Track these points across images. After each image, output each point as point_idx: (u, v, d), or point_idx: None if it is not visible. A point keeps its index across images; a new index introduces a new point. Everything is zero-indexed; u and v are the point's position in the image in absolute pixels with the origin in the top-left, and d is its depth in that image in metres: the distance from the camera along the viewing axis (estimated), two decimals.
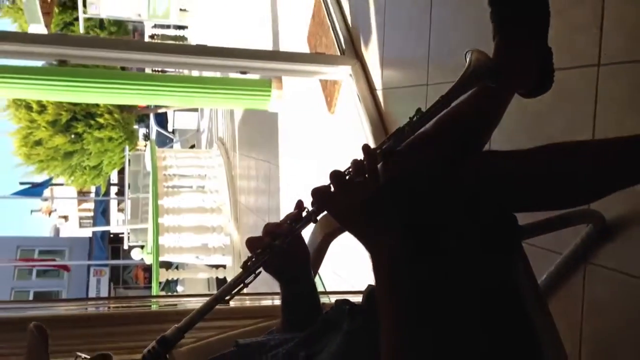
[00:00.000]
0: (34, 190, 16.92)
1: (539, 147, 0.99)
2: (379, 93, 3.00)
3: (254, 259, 0.93)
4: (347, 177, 0.85)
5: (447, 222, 0.91)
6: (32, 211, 22.11)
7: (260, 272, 0.94)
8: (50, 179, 16.15)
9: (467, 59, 0.96)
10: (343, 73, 3.17)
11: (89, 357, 0.84)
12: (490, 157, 1.04)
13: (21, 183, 16.33)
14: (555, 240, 1.57)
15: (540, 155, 0.99)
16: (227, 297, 0.92)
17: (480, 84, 0.98)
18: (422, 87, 2.47)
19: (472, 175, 0.95)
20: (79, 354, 0.84)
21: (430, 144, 1.00)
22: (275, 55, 3.25)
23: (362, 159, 0.86)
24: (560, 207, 1.17)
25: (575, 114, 1.59)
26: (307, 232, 1.05)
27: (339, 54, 3.29)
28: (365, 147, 0.87)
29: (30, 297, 17.19)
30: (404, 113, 0.90)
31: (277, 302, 2.21)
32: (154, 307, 2.43)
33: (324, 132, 3.91)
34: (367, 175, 0.85)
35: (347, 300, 1.08)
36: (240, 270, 0.93)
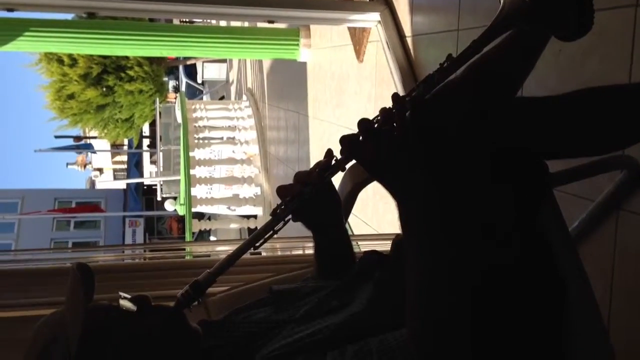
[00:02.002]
0: (77, 145, 17.33)
1: (573, 92, 0.97)
2: (409, 40, 2.93)
3: (283, 207, 0.94)
4: (375, 126, 0.84)
5: (476, 170, 0.90)
6: (67, 164, 22.65)
7: (289, 220, 0.96)
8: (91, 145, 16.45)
9: (501, 1, 0.93)
10: (372, 20, 3.10)
11: (129, 296, 0.87)
12: (523, 104, 1.02)
13: (56, 137, 16.65)
14: (588, 187, 1.55)
15: (574, 100, 0.96)
16: (257, 244, 0.94)
17: (514, 28, 0.95)
18: (453, 32, 2.41)
19: (504, 122, 0.94)
20: (121, 293, 0.87)
21: (461, 91, 0.98)
22: (302, 3, 3.19)
23: (391, 107, 0.85)
24: (595, 153, 1.15)
25: (611, 57, 1.53)
26: (338, 180, 1.06)
27: (367, 0, 3.22)
28: (395, 96, 0.85)
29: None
30: (434, 60, 0.88)
31: (309, 251, 2.25)
32: (188, 257, 2.49)
33: (353, 81, 3.87)
34: (395, 124, 0.84)
35: (375, 251, 1.09)
36: (270, 217, 0.95)
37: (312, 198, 0.94)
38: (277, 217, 0.94)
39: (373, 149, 0.82)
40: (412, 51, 2.91)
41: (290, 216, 0.95)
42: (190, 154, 7.20)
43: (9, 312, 1.59)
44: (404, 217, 0.82)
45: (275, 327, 0.93)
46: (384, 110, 0.84)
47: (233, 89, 11.80)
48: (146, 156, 19.24)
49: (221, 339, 0.93)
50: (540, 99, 0.99)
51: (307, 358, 0.80)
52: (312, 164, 0.96)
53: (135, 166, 20.82)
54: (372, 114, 0.84)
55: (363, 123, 0.84)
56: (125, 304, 0.86)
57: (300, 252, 2.41)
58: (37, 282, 1.71)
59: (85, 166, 22.27)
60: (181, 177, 7.35)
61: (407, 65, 2.91)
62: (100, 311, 0.86)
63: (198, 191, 7.12)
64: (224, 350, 0.89)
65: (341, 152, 0.90)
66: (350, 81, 3.94)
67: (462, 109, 0.94)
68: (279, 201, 0.96)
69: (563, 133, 0.96)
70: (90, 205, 15.09)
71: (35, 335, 0.85)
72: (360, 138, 0.84)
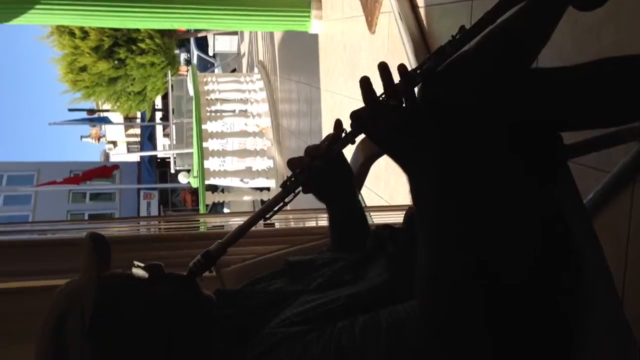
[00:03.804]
0: (91, 119, 17.41)
1: (589, 62, 0.95)
2: (421, 10, 2.89)
3: (293, 179, 0.95)
4: (383, 100, 0.83)
5: (489, 143, 0.89)
6: (81, 137, 22.79)
7: (299, 192, 0.96)
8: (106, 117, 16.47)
9: None
10: None
11: (142, 265, 0.89)
12: (538, 75, 1.00)
13: (70, 110, 16.74)
14: (604, 159, 1.54)
15: (590, 70, 0.95)
16: (268, 215, 0.95)
17: None
18: (467, 3, 2.36)
19: (518, 93, 0.93)
20: (136, 262, 0.89)
21: (473, 63, 0.97)
22: None
23: (400, 81, 0.84)
24: (610, 124, 1.14)
25: (627, 27, 1.50)
26: (350, 152, 1.05)
27: None
28: (401, 68, 0.84)
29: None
30: (448, 31, 0.87)
31: (322, 223, 2.26)
32: (202, 229, 2.52)
33: (365, 53, 3.83)
34: (402, 98, 0.83)
35: (388, 225, 1.09)
36: (280, 189, 0.95)
37: (322, 170, 0.94)
38: (287, 189, 0.94)
39: (382, 124, 0.82)
40: (424, 22, 2.87)
41: (300, 188, 0.96)
42: (203, 126, 7.21)
43: (26, 282, 1.63)
44: (416, 190, 0.82)
45: (289, 298, 0.94)
46: (390, 84, 0.83)
47: (244, 61, 11.73)
48: (159, 129, 19.30)
49: (236, 308, 0.94)
50: (555, 70, 0.97)
51: (317, 327, 0.81)
52: (324, 137, 0.96)
53: (148, 139, 20.91)
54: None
55: (369, 99, 0.83)
56: (138, 272, 0.87)
57: (313, 224, 2.42)
58: (54, 252, 1.74)
59: (99, 139, 22.40)
60: (194, 149, 7.38)
61: (420, 37, 2.88)
62: (114, 279, 0.87)
63: (211, 164, 7.16)
64: (238, 319, 0.90)
65: (351, 126, 0.90)
66: (362, 53, 3.90)
67: (475, 82, 0.93)
68: (290, 174, 0.96)
69: (579, 104, 0.94)
70: (100, 168, 15.18)
71: (51, 303, 0.87)
72: (369, 113, 0.83)
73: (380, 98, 0.83)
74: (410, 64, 2.72)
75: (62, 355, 0.82)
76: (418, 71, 0.85)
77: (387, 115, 0.82)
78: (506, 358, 0.78)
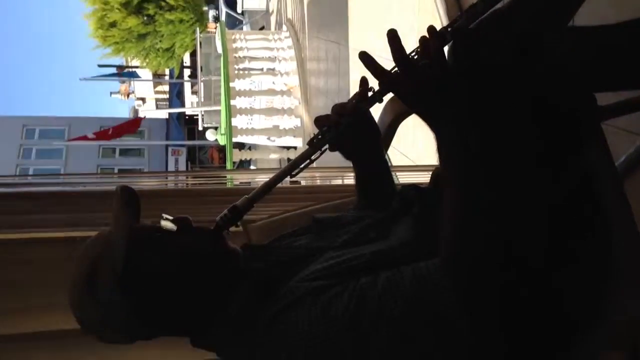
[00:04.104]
0: (121, 74, 17.49)
1: (627, 21, 0.92)
2: None
3: (320, 137, 0.95)
4: (414, 58, 0.82)
5: (522, 107, 0.88)
6: (111, 93, 23.02)
7: (325, 149, 0.96)
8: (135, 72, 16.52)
9: None
10: None
11: (170, 217, 0.91)
12: (574, 34, 0.98)
13: (100, 66, 16.86)
14: (638, 121, 1.50)
15: (627, 29, 0.92)
16: (294, 172, 0.95)
17: None
18: None
19: (553, 53, 0.90)
20: (164, 215, 0.91)
21: (508, 22, 0.94)
22: None
23: (429, 39, 0.82)
24: None
25: None
26: (377, 111, 1.05)
27: None
28: (431, 29, 0.82)
29: None
30: None
31: (348, 181, 2.26)
32: (229, 185, 2.55)
33: (395, 11, 3.76)
34: (433, 58, 0.81)
35: (414, 185, 1.09)
36: (307, 147, 0.95)
37: (349, 128, 0.94)
38: (314, 146, 0.95)
39: (411, 83, 0.80)
40: None
41: (327, 146, 0.96)
42: (231, 84, 7.21)
43: (58, 232, 1.68)
44: (444, 150, 0.82)
45: (314, 254, 0.95)
46: (422, 43, 0.82)
47: (273, 19, 11.61)
48: (187, 86, 19.35)
49: (262, 262, 0.96)
50: (592, 28, 0.95)
51: (341, 282, 0.82)
52: (352, 96, 0.96)
53: (177, 96, 21.02)
54: (413, 45, 0.82)
55: (399, 58, 0.82)
56: (167, 224, 0.89)
57: (339, 182, 2.43)
58: (86, 204, 1.78)
59: (128, 95, 22.60)
60: (222, 107, 7.39)
61: None
62: (144, 231, 0.90)
63: (238, 121, 7.17)
64: (264, 273, 0.92)
65: (379, 84, 0.89)
66: (392, 11, 3.83)
67: (510, 41, 0.91)
68: (317, 132, 0.96)
69: (615, 64, 0.92)
70: (128, 122, 15.31)
71: (83, 252, 0.89)
72: (397, 72, 0.82)
73: (410, 56, 0.82)
74: (442, 22, 2.66)
75: (94, 303, 0.85)
76: (449, 29, 0.83)
77: (417, 75, 0.81)
78: (530, 317, 0.79)
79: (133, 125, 13.51)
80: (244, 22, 15.59)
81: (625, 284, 0.85)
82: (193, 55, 14.87)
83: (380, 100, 0.92)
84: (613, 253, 0.85)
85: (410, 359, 0.77)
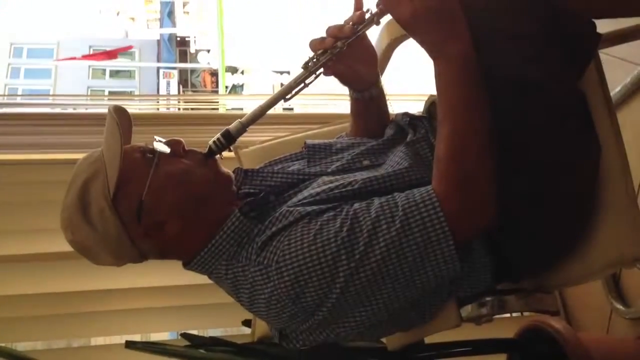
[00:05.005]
0: None
1: None
2: None
3: (314, 60, 0.93)
4: None
5: (524, 31, 0.85)
6: (100, 11, 22.29)
7: (320, 73, 0.94)
8: None
9: None
10: None
11: (163, 140, 0.90)
12: None
13: None
14: (636, 51, 1.47)
15: None
16: (288, 96, 0.93)
17: None
18: None
19: None
20: (157, 137, 0.90)
21: None
22: None
23: None
24: None
25: None
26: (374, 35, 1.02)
27: None
28: None
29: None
30: None
31: (342, 110, 2.24)
32: (222, 111, 2.52)
33: None
34: None
35: (407, 113, 1.08)
36: (302, 70, 0.93)
37: (344, 52, 0.91)
38: (309, 70, 0.93)
39: (409, 5, 0.78)
40: None
41: (322, 70, 0.94)
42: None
43: (49, 154, 1.67)
44: (441, 76, 0.80)
45: (307, 180, 0.95)
46: None
47: None
48: (179, 5, 18.74)
49: (255, 187, 0.96)
50: None
51: (334, 207, 0.83)
52: (347, 17, 0.93)
53: (168, 16, 20.40)
54: None
55: None
56: (159, 146, 0.89)
57: (333, 110, 2.41)
58: (77, 126, 1.77)
59: (118, 12, 21.89)
60: (216, 28, 7.21)
61: None
62: (136, 151, 0.89)
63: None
64: (257, 197, 0.93)
65: (377, 6, 0.86)
66: None
67: None
68: (312, 54, 0.94)
69: None
70: (116, 50, 14.94)
71: (75, 172, 0.89)
72: None
73: None
74: None
75: (86, 223, 0.86)
76: None
77: None
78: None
79: (122, 50, 13.14)
80: None
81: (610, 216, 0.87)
82: None
83: (378, 23, 0.89)
84: (601, 179, 0.87)
85: (400, 277, 0.79)
